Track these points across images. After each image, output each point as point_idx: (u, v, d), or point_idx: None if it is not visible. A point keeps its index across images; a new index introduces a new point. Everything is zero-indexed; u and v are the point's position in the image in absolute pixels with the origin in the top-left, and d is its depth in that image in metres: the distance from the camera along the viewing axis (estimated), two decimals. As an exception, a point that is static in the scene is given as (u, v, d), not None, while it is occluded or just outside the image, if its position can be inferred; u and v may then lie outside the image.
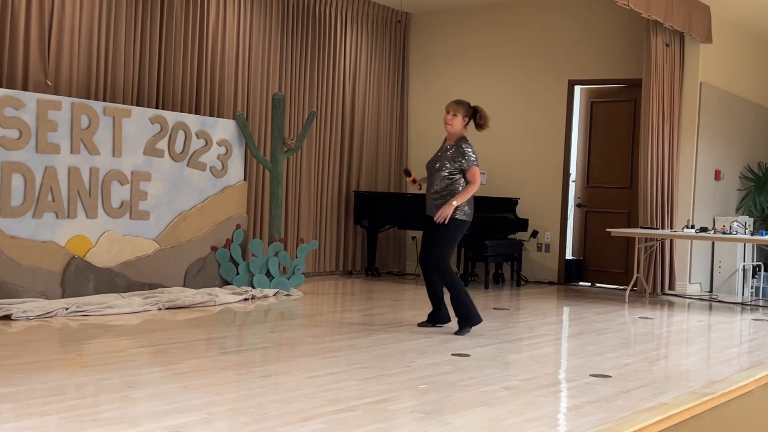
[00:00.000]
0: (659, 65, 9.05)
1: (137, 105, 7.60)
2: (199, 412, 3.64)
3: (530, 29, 10.30)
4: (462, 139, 6.25)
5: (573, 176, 10.25)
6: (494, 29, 10.49)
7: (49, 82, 6.99)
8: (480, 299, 8.26)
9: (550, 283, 10.03)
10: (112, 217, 7.01)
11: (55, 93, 6.95)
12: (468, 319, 6.04)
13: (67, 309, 6.21)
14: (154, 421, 3.48)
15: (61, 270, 6.62)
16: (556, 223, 10.11)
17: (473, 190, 6.09)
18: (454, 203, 5.97)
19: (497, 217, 9.75)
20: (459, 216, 6.04)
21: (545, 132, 10.18)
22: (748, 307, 8.61)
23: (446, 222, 5.97)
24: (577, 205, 10.29)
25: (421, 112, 10.93)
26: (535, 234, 10.04)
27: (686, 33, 9.00)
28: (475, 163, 6.15)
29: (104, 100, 7.34)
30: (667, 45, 9.11)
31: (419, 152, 10.96)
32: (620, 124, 9.98)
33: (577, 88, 10.17)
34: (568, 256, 10.24)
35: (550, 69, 10.16)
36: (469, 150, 6.17)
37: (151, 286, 7.23)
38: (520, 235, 9.96)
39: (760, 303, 9.05)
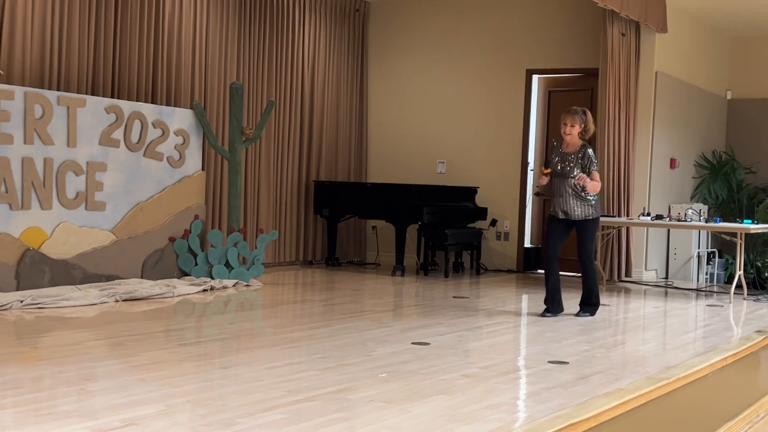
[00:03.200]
0: (615, 55, 9.14)
1: (92, 94, 7.48)
2: (156, 405, 3.62)
3: (488, 19, 10.34)
4: (584, 146, 6.71)
5: (531, 165, 10.32)
6: (452, 19, 10.51)
7: (1, 71, 6.86)
8: (440, 288, 8.31)
9: (509, 271, 10.11)
10: (68, 208, 6.91)
11: (8, 82, 6.82)
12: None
13: (22, 302, 6.11)
14: (111, 414, 3.45)
15: (16, 262, 6.51)
16: (514, 211, 10.18)
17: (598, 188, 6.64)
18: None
19: (456, 206, 9.79)
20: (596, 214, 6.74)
21: (504, 121, 10.23)
22: (703, 293, 8.75)
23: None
24: (536, 194, 10.37)
25: (381, 101, 10.93)
26: (494, 223, 10.11)
27: (642, 23, 9.10)
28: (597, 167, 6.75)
29: (58, 90, 7.22)
30: (623, 34, 9.19)
31: (379, 141, 10.96)
32: (577, 113, 10.04)
33: (535, 78, 10.23)
34: (527, 244, 10.32)
35: (508, 58, 10.21)
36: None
37: (108, 278, 7.15)
38: (479, 224, 10.02)
39: (715, 289, 9.21)
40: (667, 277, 9.98)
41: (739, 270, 8.16)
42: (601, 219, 8.77)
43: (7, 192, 6.47)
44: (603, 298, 7.96)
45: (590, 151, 6.66)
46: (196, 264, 7.76)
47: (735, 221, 9.14)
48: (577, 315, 6.68)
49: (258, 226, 9.31)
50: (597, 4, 8.28)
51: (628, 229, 9.25)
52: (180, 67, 8.35)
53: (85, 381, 4.01)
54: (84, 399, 3.70)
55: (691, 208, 9.44)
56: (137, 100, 7.87)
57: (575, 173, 6.56)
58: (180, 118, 7.85)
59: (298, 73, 9.87)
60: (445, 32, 10.55)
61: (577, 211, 6.62)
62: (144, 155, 7.52)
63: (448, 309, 6.88)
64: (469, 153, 10.40)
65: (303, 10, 9.91)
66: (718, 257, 10.19)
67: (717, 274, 10.10)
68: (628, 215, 9.22)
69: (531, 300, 7.82)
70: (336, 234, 9.97)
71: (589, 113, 6.75)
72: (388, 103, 10.89)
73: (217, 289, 7.49)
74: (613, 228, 9.10)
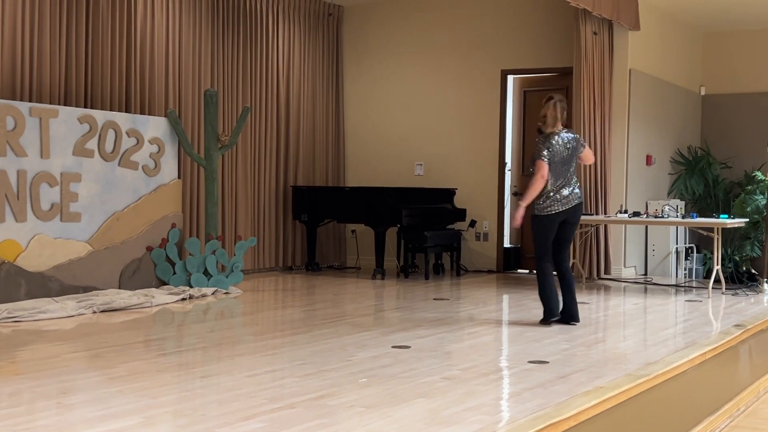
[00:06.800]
0: (589, 53, 9.17)
1: (65, 104, 7.43)
2: (135, 416, 3.58)
3: (462, 20, 10.35)
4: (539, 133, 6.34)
5: (508, 165, 10.34)
6: (426, 21, 10.52)
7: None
8: (420, 290, 8.30)
9: (489, 271, 10.12)
10: (42, 219, 6.85)
11: (-21, 94, 6.76)
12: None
13: (-2, 316, 6.05)
14: (89, 427, 3.42)
15: (-9, 276, 6.45)
16: (493, 211, 10.20)
17: (534, 185, 6.24)
18: (522, 204, 6.27)
19: (435, 207, 9.80)
20: (535, 212, 6.32)
21: (480, 122, 10.25)
22: (682, 289, 8.80)
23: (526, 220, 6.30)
24: (514, 194, 10.38)
25: (357, 104, 10.92)
26: (473, 223, 10.12)
27: (614, 21, 9.14)
28: (539, 156, 6.19)
29: (30, 101, 7.16)
30: (595, 33, 9.23)
31: (356, 144, 10.95)
32: (553, 112, 10.07)
33: (510, 78, 10.26)
34: (506, 244, 10.33)
35: (483, 59, 10.23)
36: (538, 142, 6.27)
37: (86, 289, 7.09)
38: (458, 225, 10.02)
39: (693, 284, 9.26)
40: (646, 274, 10.03)
41: (717, 265, 8.21)
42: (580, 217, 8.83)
43: (-20, 205, 6.40)
44: (583, 296, 7.99)
45: (537, 138, 6.33)
46: (175, 273, 7.72)
47: (712, 216, 9.18)
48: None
49: (236, 233, 9.27)
50: (569, 4, 8.31)
51: (606, 226, 9.28)
52: (153, 75, 8.30)
53: (63, 394, 3.97)
54: (62, 413, 3.67)
55: (668, 204, 9.49)
56: (110, 110, 7.81)
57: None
58: (154, 126, 7.80)
59: (273, 79, 9.84)
60: (420, 35, 10.56)
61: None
62: (119, 165, 7.47)
63: (429, 311, 6.87)
64: (446, 154, 10.41)
65: (276, 15, 9.88)
66: (696, 252, 10.24)
67: (695, 269, 10.15)
68: (605, 213, 9.26)
69: (511, 300, 7.83)
70: (315, 239, 9.95)
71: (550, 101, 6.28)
72: (365, 106, 10.89)
73: (196, 297, 7.45)
74: (591, 226, 9.13)
